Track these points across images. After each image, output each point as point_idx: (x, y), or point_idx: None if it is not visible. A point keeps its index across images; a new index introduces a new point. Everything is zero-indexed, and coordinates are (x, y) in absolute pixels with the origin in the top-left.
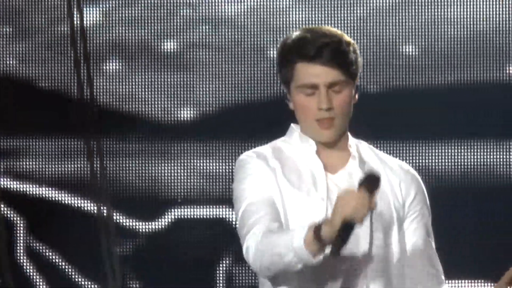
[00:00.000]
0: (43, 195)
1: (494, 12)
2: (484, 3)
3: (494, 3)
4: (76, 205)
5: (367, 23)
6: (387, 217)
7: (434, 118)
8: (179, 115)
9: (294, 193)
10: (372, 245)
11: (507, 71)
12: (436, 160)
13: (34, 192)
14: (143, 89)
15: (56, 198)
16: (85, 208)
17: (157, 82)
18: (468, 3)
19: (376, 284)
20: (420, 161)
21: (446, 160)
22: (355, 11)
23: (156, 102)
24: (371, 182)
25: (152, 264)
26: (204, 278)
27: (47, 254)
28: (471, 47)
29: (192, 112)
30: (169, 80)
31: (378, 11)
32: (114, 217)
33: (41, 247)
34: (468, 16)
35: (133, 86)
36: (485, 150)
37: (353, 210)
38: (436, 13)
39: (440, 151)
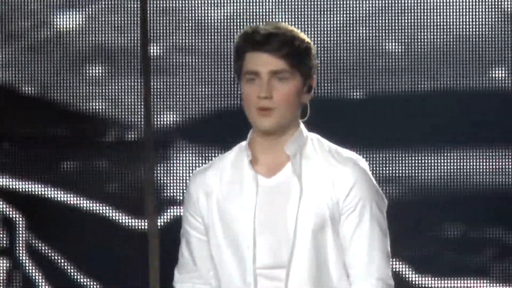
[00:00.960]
0: (44, 194)
1: (477, 17)
2: (468, 8)
3: (477, 8)
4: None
5: (349, 27)
6: (319, 218)
7: (416, 124)
8: (162, 120)
9: (225, 206)
10: (294, 253)
11: (490, 76)
12: (416, 168)
13: (34, 191)
14: (126, 93)
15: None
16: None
17: (140, 86)
18: (451, 8)
19: None
20: (400, 169)
21: (426, 168)
22: (337, 16)
23: (139, 107)
24: None
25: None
26: None
27: (48, 252)
28: (451, 53)
29: (175, 116)
30: (153, 84)
31: (361, 16)
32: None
33: (42, 246)
34: (451, 21)
35: (117, 90)
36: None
37: None
38: (419, 18)
39: (420, 158)
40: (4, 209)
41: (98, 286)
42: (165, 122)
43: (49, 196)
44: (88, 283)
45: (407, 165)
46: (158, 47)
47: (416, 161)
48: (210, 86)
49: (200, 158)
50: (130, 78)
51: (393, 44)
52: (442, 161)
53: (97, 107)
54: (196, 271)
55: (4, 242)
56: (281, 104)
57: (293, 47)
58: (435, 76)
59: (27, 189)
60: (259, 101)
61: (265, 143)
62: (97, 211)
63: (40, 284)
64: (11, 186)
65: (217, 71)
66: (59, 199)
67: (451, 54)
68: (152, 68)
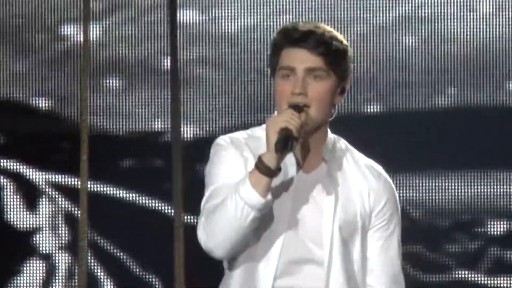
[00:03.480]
0: (105, 191)
1: (498, 31)
2: (488, 22)
3: (497, 22)
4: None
5: (366, 41)
6: (351, 226)
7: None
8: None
9: None
10: (333, 253)
11: (507, 90)
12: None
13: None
14: (142, 106)
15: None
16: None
17: (157, 98)
18: (470, 22)
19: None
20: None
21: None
22: (354, 30)
23: (155, 119)
24: (283, 144)
25: None
26: None
27: (109, 248)
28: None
29: (192, 129)
30: (168, 96)
31: (378, 28)
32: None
33: (103, 242)
34: (471, 34)
35: (133, 103)
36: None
37: (284, 120)
38: (438, 29)
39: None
40: (67, 206)
41: (156, 281)
42: (186, 135)
43: (110, 193)
44: (148, 279)
45: (426, 188)
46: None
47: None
48: (228, 99)
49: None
50: (150, 90)
51: (411, 56)
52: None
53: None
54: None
55: (67, 238)
56: (315, 102)
57: (331, 47)
58: (454, 90)
59: (89, 187)
60: (293, 97)
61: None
62: (157, 208)
63: (101, 278)
64: (73, 184)
65: (234, 83)
66: (119, 196)
67: (470, 67)
68: (170, 80)
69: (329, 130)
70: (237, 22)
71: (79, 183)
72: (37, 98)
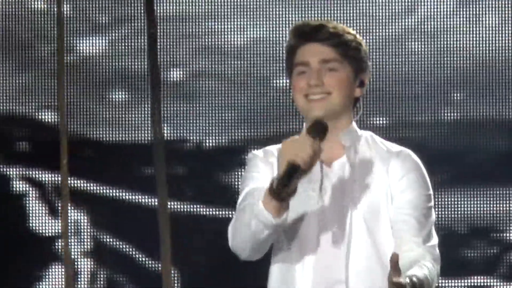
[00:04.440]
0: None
1: (503, 44)
2: (493, 34)
3: (502, 34)
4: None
5: (372, 53)
6: (374, 210)
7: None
8: (184, 143)
9: None
10: (351, 241)
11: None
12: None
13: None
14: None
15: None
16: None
17: (163, 111)
18: (475, 35)
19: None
20: None
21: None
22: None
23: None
24: (316, 128)
25: None
26: None
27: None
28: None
29: (197, 140)
30: (174, 109)
31: (384, 41)
32: None
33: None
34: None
35: (139, 115)
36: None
37: (295, 152)
38: (443, 44)
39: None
40: (89, 212)
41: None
42: (187, 148)
43: (129, 198)
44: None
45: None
46: (180, 73)
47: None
48: (232, 112)
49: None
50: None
51: (416, 69)
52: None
53: None
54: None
55: (89, 243)
56: (332, 90)
57: (344, 38)
58: (461, 103)
59: (109, 193)
60: (309, 88)
61: None
62: (180, 212)
63: (123, 283)
64: (95, 191)
65: (238, 96)
66: (138, 201)
67: (474, 80)
68: (174, 93)
69: (357, 127)
70: (243, 35)
71: (101, 189)
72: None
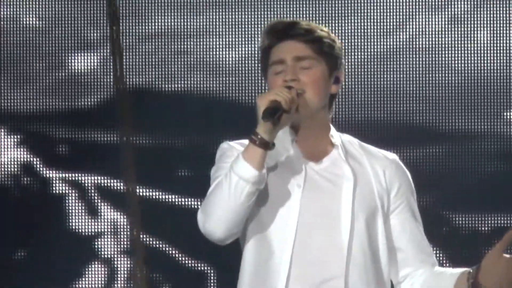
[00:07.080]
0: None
1: (496, 60)
2: (485, 50)
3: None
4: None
5: (363, 69)
6: (371, 204)
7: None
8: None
9: (269, 178)
10: (353, 236)
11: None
12: None
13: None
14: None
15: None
16: None
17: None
18: (467, 51)
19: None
20: None
21: None
22: (351, 58)
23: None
24: (270, 112)
25: None
26: None
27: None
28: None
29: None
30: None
31: (375, 55)
32: None
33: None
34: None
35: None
36: None
37: (273, 93)
38: (432, 59)
39: None
40: (125, 212)
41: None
42: (185, 169)
43: (167, 200)
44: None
45: None
46: (175, 87)
47: None
48: (225, 128)
49: None
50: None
51: (408, 84)
52: None
53: None
54: None
55: (126, 242)
56: (308, 87)
57: (317, 34)
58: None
59: (147, 194)
60: (285, 84)
61: (299, 132)
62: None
63: (159, 283)
64: (135, 191)
65: (232, 112)
66: (176, 203)
67: (466, 96)
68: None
69: (332, 127)
70: (236, 51)
71: (140, 190)
72: None
